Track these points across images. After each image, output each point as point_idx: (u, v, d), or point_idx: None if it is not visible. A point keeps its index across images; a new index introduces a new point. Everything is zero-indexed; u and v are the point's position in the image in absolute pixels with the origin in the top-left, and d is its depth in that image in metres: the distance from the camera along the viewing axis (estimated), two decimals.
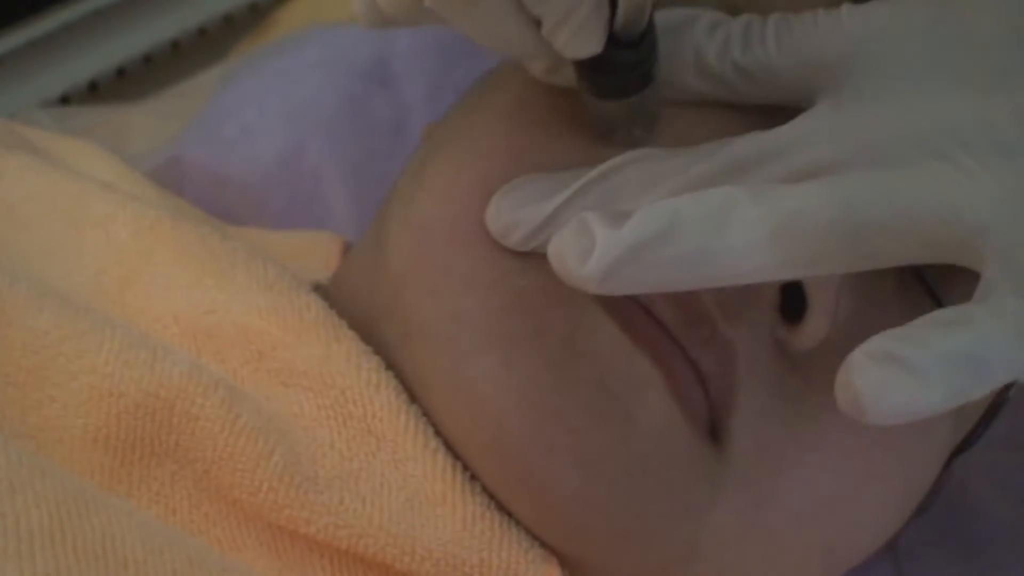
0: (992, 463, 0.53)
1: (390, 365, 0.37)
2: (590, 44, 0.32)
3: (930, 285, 0.37)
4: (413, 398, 0.36)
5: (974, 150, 0.30)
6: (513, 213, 0.33)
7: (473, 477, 0.35)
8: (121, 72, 1.10)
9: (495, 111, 0.37)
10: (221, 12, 1.14)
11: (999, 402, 0.44)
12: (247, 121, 0.62)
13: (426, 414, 0.36)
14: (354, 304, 0.40)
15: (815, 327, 0.34)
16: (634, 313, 0.33)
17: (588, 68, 0.33)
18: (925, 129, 0.30)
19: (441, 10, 0.32)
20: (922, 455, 0.38)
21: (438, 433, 0.35)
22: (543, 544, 0.35)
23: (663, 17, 0.35)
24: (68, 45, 1.09)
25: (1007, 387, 0.45)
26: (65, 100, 1.09)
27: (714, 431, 0.35)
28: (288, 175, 0.61)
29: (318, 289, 0.44)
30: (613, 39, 0.32)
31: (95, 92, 1.10)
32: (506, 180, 0.35)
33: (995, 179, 0.29)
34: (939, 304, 0.37)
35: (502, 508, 0.35)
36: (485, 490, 0.35)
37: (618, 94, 0.34)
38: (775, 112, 0.34)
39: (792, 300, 0.34)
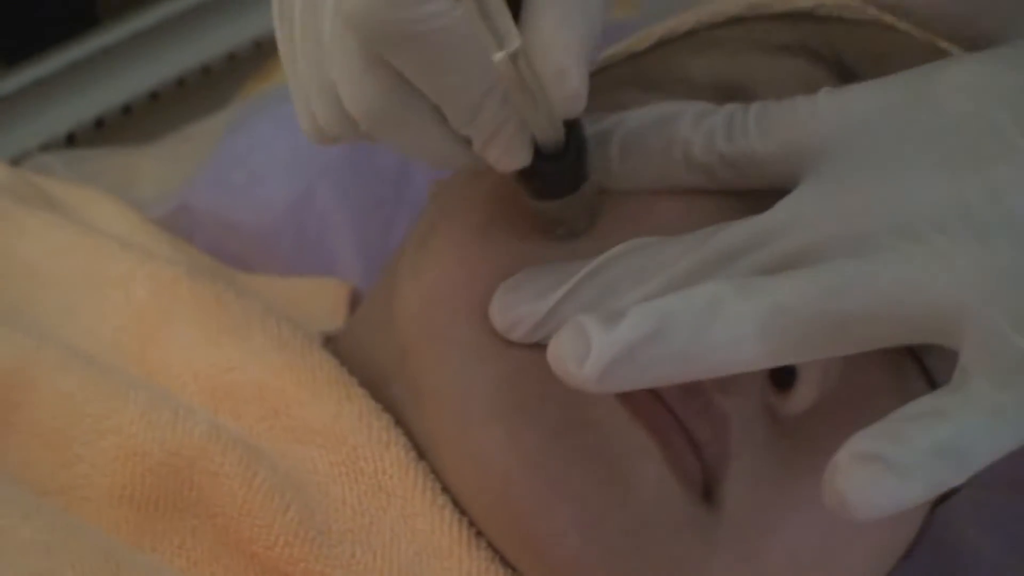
0: (976, 502, 0.54)
1: (399, 422, 0.39)
2: (517, 159, 0.34)
3: (913, 347, 0.38)
4: (421, 455, 0.38)
5: (950, 232, 0.31)
6: (515, 310, 0.35)
7: (479, 532, 0.37)
8: (127, 109, 1.12)
9: (496, 183, 0.39)
10: (225, 50, 1.16)
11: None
12: (255, 167, 0.64)
13: (434, 471, 0.38)
14: (364, 361, 0.42)
15: (804, 395, 0.35)
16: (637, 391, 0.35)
17: (521, 175, 0.35)
18: (901, 213, 0.31)
19: (375, 134, 0.34)
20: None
21: (445, 490, 0.37)
22: None
23: (654, 110, 0.37)
24: (75, 83, 1.11)
25: None
26: (71, 138, 1.11)
27: (708, 493, 0.36)
28: (296, 221, 0.63)
29: (329, 343, 0.46)
30: (538, 152, 0.34)
31: (101, 129, 1.12)
32: (509, 256, 0.37)
33: (970, 261, 0.30)
34: (923, 365, 0.39)
35: (506, 562, 0.37)
36: (490, 545, 0.37)
37: (551, 196, 0.36)
38: (762, 196, 0.35)
39: (782, 368, 0.35)
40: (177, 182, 0.68)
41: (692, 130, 0.36)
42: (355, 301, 0.56)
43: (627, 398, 0.35)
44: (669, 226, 0.36)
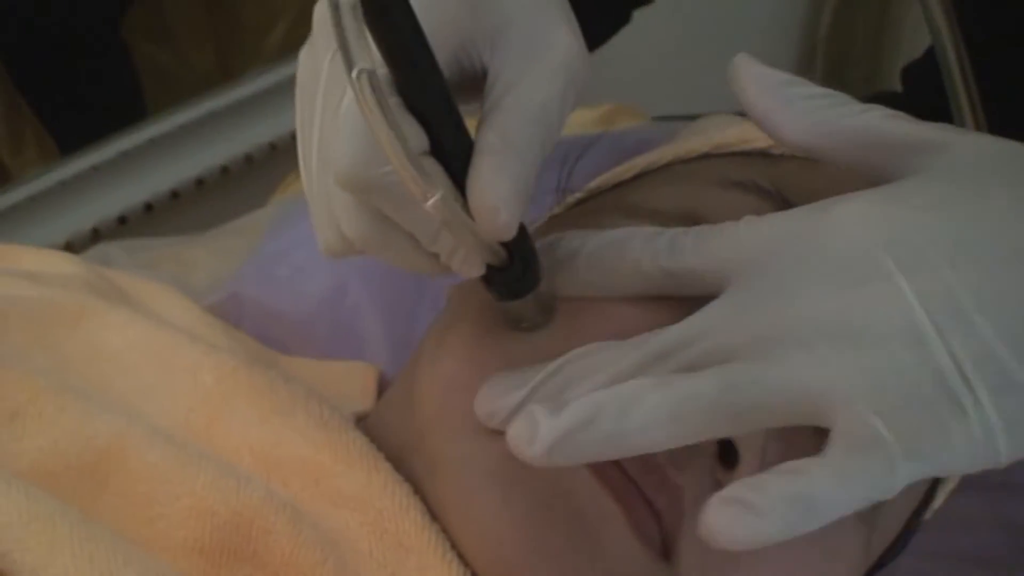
0: (918, 572, 0.61)
1: (417, 490, 0.47)
2: (473, 270, 0.42)
3: None
4: (435, 518, 0.46)
5: (829, 340, 0.37)
6: (493, 403, 0.43)
7: None
8: (175, 195, 1.20)
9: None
10: (267, 141, 1.24)
11: (912, 526, 0.53)
12: (298, 263, 0.72)
13: (445, 531, 0.46)
14: (389, 437, 0.50)
15: (745, 470, 0.42)
16: (604, 463, 0.43)
17: (483, 281, 0.44)
18: (792, 324, 0.38)
19: (367, 252, 0.43)
20: (832, 572, 0.47)
21: (454, 547, 0.46)
22: None
23: (614, 233, 0.45)
24: (126, 170, 1.19)
25: (921, 509, 0.54)
26: (123, 220, 1.19)
27: (666, 553, 0.44)
28: (332, 311, 0.71)
29: (360, 422, 0.54)
30: (490, 266, 0.43)
31: (151, 213, 1.20)
32: (507, 355, 0.45)
33: (843, 363, 0.36)
34: None
35: None
36: None
37: (511, 297, 0.44)
38: (700, 300, 0.41)
39: (728, 449, 0.43)
40: (227, 272, 0.76)
41: (642, 249, 0.44)
42: (382, 382, 0.64)
43: (598, 473, 0.43)
44: (624, 326, 0.43)
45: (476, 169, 0.39)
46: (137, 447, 0.45)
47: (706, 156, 0.56)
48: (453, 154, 0.39)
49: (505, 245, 0.42)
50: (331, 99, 0.42)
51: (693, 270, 0.42)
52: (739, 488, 0.36)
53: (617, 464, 0.43)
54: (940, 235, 0.37)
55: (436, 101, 0.39)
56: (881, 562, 0.52)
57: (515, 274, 0.43)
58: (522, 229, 0.42)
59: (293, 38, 1.35)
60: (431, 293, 0.70)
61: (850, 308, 0.37)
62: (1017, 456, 0.37)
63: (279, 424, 0.49)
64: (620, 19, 0.72)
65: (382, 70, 0.38)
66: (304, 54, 0.46)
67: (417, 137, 0.38)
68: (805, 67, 2.29)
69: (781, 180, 0.50)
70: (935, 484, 0.54)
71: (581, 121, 0.92)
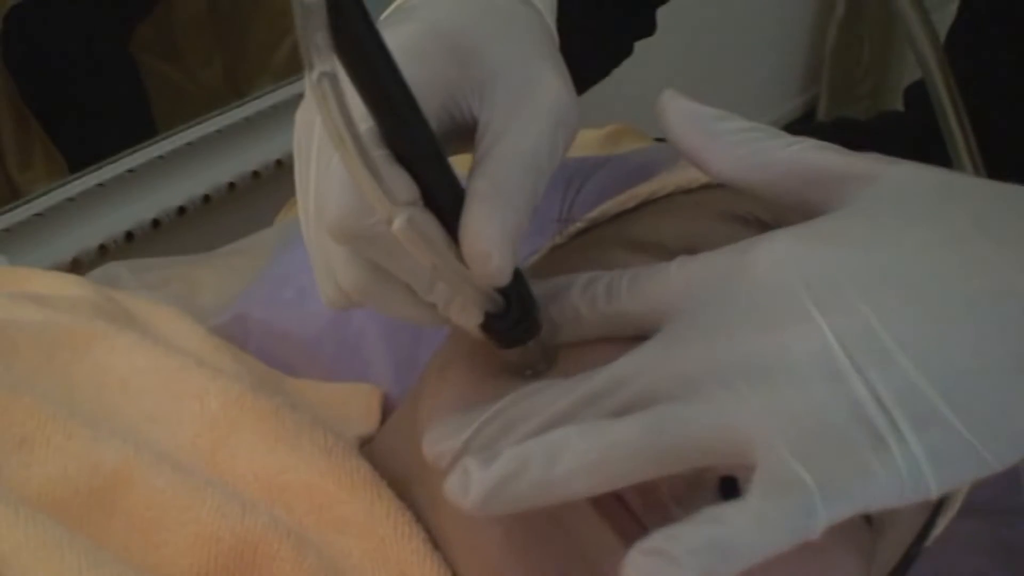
0: None
1: (419, 519, 0.48)
2: (472, 319, 0.43)
3: None
4: (436, 547, 0.47)
5: (750, 380, 0.37)
6: (438, 445, 0.43)
7: None
8: (182, 210, 1.21)
9: None
10: (273, 158, 1.25)
11: (912, 554, 0.53)
12: (303, 285, 0.72)
13: (447, 560, 0.47)
14: (392, 464, 0.51)
15: None
16: (606, 497, 0.43)
17: (483, 330, 0.44)
18: (716, 363, 0.38)
19: (364, 304, 0.44)
20: None
21: (455, 575, 0.46)
22: None
23: (551, 283, 0.45)
24: (134, 187, 1.20)
25: (921, 536, 0.54)
26: (130, 236, 1.19)
27: None
28: (337, 332, 0.71)
29: (364, 447, 0.55)
30: (488, 312, 0.43)
31: (158, 229, 1.20)
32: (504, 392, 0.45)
33: (764, 403, 0.37)
34: None
35: None
36: None
37: (510, 345, 0.44)
38: (640, 339, 0.41)
39: (730, 482, 0.43)
40: (233, 293, 0.76)
41: (580, 297, 0.44)
42: (386, 405, 0.64)
43: (599, 506, 0.43)
44: (573, 364, 0.43)
45: (467, 216, 0.40)
46: (144, 473, 0.46)
47: (707, 186, 0.56)
48: (444, 204, 0.40)
49: (501, 291, 0.42)
50: (324, 153, 0.43)
51: (628, 313, 0.43)
52: (657, 539, 0.36)
53: (618, 497, 0.43)
54: (859, 271, 0.38)
55: (424, 152, 0.39)
56: None
57: (513, 320, 0.43)
58: (518, 275, 0.43)
59: (300, 55, 1.36)
60: None
61: (770, 347, 0.37)
62: (948, 488, 0.37)
63: (284, 451, 0.50)
64: (622, 51, 0.73)
65: (369, 123, 0.38)
66: (299, 111, 0.46)
67: (407, 188, 0.39)
68: (811, 83, 2.31)
69: (783, 213, 0.50)
70: (936, 510, 0.54)
71: (585, 142, 0.93)
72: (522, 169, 0.41)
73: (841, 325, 0.37)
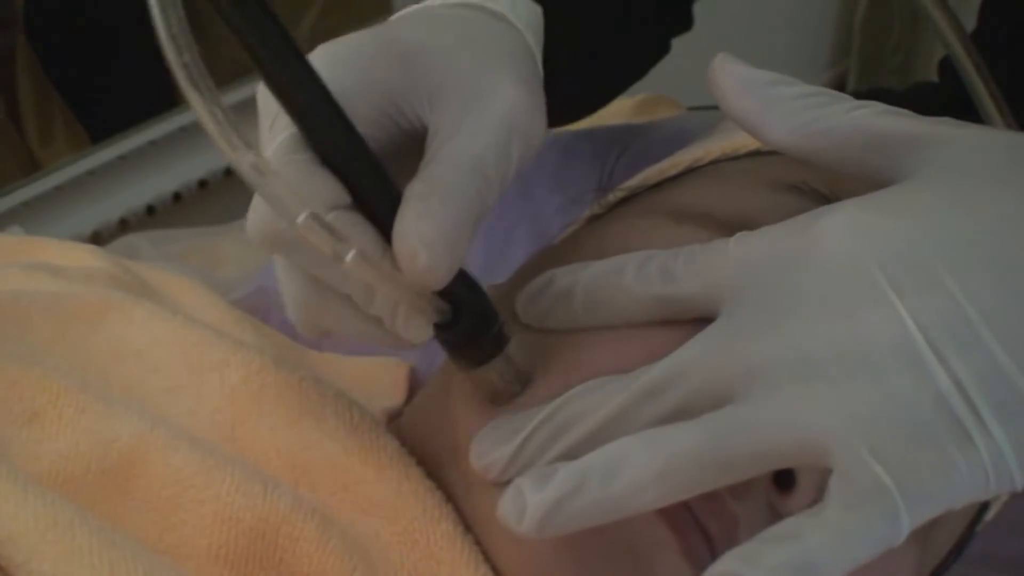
0: None
1: (449, 499, 0.45)
2: (419, 332, 0.41)
3: None
4: (467, 529, 0.45)
5: (821, 373, 0.35)
6: (487, 456, 0.41)
7: None
8: (203, 184, 1.20)
9: None
10: None
11: (964, 540, 0.51)
12: None
13: (478, 543, 0.44)
14: (422, 443, 0.48)
15: (804, 496, 0.39)
16: None
17: (444, 346, 0.42)
18: (782, 355, 0.35)
19: (308, 320, 0.43)
20: None
21: (487, 560, 0.44)
22: None
23: (609, 263, 0.43)
24: (155, 159, 1.19)
25: (974, 522, 0.52)
26: (151, 210, 1.18)
27: None
28: None
29: (391, 422, 0.53)
30: (438, 326, 0.41)
31: (179, 202, 1.19)
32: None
33: (838, 398, 0.34)
34: None
35: None
36: None
37: (470, 365, 0.42)
38: (699, 322, 0.39)
39: (785, 472, 0.40)
40: (254, 265, 0.75)
41: (635, 278, 0.42)
42: (413, 379, 0.62)
43: (661, 511, 0.40)
44: (624, 358, 0.41)
45: (399, 216, 0.38)
46: (160, 450, 0.43)
47: (756, 153, 0.53)
48: (380, 208, 0.38)
49: (449, 300, 0.40)
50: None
51: (685, 295, 0.41)
52: (732, 561, 0.34)
53: None
54: (938, 246, 0.35)
55: (349, 155, 0.38)
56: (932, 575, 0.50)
57: (465, 333, 0.41)
58: (471, 284, 0.41)
59: (322, 27, 1.35)
60: None
61: (842, 335, 0.35)
62: None
63: (308, 426, 0.47)
64: (661, 50, 0.70)
65: (293, 129, 0.38)
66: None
67: (332, 191, 0.38)
68: (841, 57, 2.27)
69: (838, 182, 0.47)
70: None
71: (619, 109, 0.91)
72: (464, 172, 0.39)
73: (920, 306, 0.34)
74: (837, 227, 0.36)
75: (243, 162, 0.35)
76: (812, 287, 0.36)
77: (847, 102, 0.40)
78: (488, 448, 0.41)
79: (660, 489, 0.36)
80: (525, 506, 0.37)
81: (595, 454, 0.37)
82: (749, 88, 0.41)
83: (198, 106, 0.35)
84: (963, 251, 0.35)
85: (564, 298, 0.44)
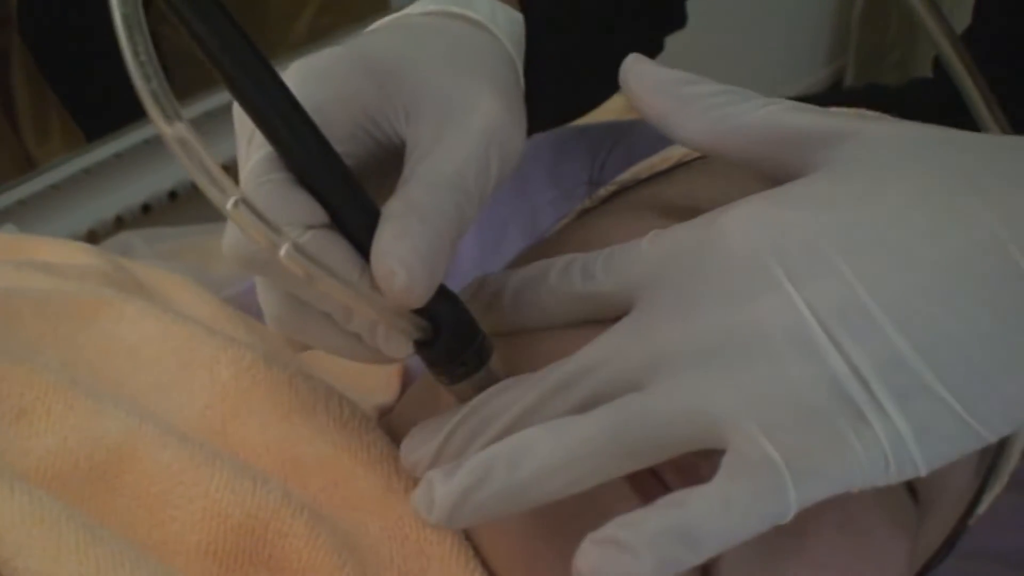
0: (963, 573, 0.59)
1: None
2: (399, 349, 0.41)
3: None
4: None
5: (721, 358, 0.35)
6: (414, 454, 0.42)
7: None
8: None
9: None
10: None
11: (956, 533, 0.51)
12: None
13: (468, 538, 0.44)
14: None
15: None
16: (642, 471, 0.40)
17: (426, 363, 0.41)
18: (685, 343, 0.36)
19: (288, 335, 0.43)
20: None
21: (476, 555, 0.44)
22: None
23: (534, 267, 0.44)
24: (151, 157, 1.19)
25: (966, 516, 0.52)
26: (147, 208, 1.19)
27: (705, 571, 0.42)
28: None
29: (383, 418, 0.52)
30: (418, 343, 0.41)
31: (175, 201, 1.19)
32: None
33: (733, 383, 0.35)
34: None
35: None
36: None
37: (451, 381, 0.42)
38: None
39: None
40: None
41: (558, 279, 0.43)
42: (406, 376, 0.62)
43: (633, 482, 0.41)
44: (548, 354, 0.41)
45: (376, 237, 0.38)
46: (149, 446, 0.43)
47: None
48: (358, 227, 0.38)
49: (429, 317, 0.40)
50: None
51: (603, 293, 0.41)
52: (615, 527, 0.34)
53: (653, 472, 0.41)
54: (831, 234, 0.35)
55: (325, 174, 0.38)
56: (925, 569, 0.50)
57: (447, 349, 0.41)
58: (453, 299, 0.41)
59: (319, 27, 1.35)
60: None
61: (739, 322, 0.36)
62: (936, 464, 0.35)
63: (298, 422, 0.47)
64: (654, 49, 0.70)
65: (269, 147, 0.38)
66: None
67: (308, 211, 0.38)
68: (838, 53, 2.27)
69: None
70: (981, 488, 0.52)
71: (613, 106, 0.90)
72: (443, 189, 0.39)
73: (815, 294, 0.35)
74: (738, 220, 0.37)
75: (221, 200, 0.36)
76: (714, 278, 0.37)
77: (757, 99, 0.40)
78: (416, 446, 0.42)
79: (565, 478, 0.37)
80: (434, 497, 0.38)
81: (500, 444, 0.38)
82: (661, 88, 0.41)
83: (169, 139, 0.35)
84: (859, 239, 0.35)
85: (494, 303, 0.44)
